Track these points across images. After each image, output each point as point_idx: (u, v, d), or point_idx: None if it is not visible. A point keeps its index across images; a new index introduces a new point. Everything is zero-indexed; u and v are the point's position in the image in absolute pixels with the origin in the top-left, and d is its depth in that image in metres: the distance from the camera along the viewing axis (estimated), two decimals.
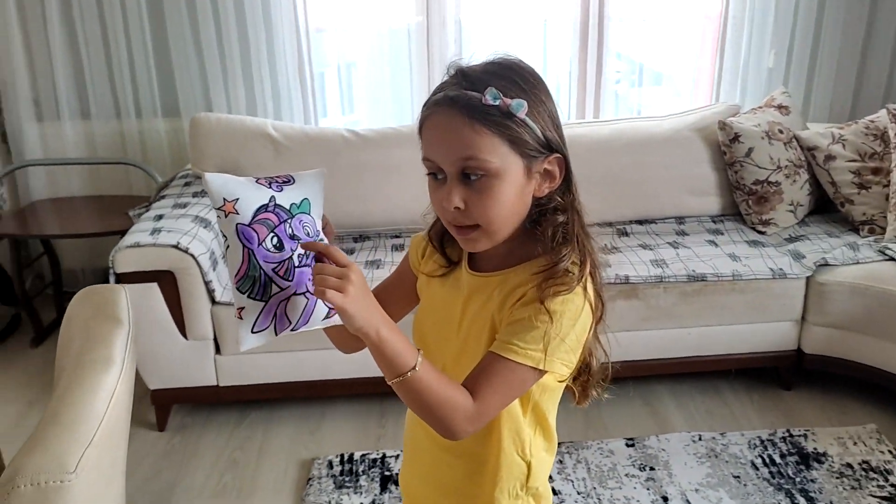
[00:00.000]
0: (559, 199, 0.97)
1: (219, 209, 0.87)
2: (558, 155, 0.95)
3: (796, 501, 2.02)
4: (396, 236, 2.73)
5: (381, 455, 2.23)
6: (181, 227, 2.30)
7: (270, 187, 0.91)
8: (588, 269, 0.96)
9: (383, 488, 2.10)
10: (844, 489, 2.06)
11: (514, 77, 0.92)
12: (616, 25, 3.14)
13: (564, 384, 1.04)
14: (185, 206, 2.48)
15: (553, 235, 0.96)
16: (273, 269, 0.87)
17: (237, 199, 0.87)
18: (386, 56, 3.15)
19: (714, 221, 2.77)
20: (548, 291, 0.92)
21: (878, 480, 2.09)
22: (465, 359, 1.00)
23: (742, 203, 2.72)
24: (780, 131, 2.68)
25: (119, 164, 3.04)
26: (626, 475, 2.14)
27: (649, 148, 2.76)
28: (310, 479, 2.15)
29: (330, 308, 0.92)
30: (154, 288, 2.23)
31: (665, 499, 2.05)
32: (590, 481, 2.12)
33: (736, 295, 2.37)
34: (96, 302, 1.12)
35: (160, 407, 2.42)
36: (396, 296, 1.12)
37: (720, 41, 3.16)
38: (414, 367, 0.87)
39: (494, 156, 0.90)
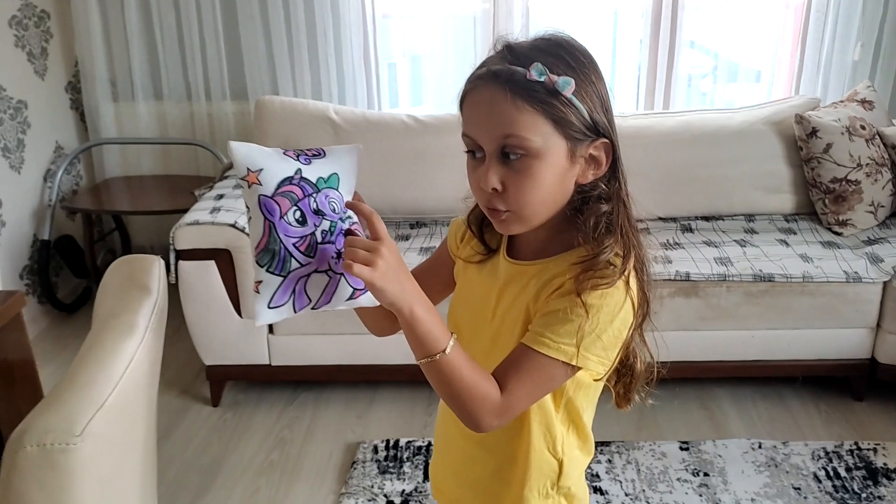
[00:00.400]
0: (604, 186, 0.92)
1: (242, 179, 0.85)
2: (605, 140, 0.90)
3: None
4: None
5: (426, 443, 2.22)
6: (240, 207, 2.33)
7: (298, 159, 0.88)
8: (632, 263, 0.91)
9: (426, 476, 2.09)
10: None
11: (563, 54, 0.88)
12: (691, 14, 3.02)
13: (602, 383, 0.99)
14: None
15: (595, 225, 0.91)
16: (294, 244, 0.85)
17: (261, 170, 0.85)
18: (451, 45, 3.12)
19: (787, 220, 2.64)
20: (586, 283, 0.87)
21: None
22: (497, 349, 0.96)
23: (818, 202, 2.58)
24: (863, 127, 2.52)
25: (188, 144, 3.11)
26: (678, 479, 2.06)
27: (719, 141, 2.65)
28: (354, 462, 2.16)
29: (355, 289, 0.89)
30: (211, 265, 2.27)
31: None
32: (639, 483, 2.05)
33: (806, 298, 2.25)
34: (129, 270, 1.13)
35: (214, 383, 2.47)
36: (433, 280, 1.09)
37: (802, 32, 3.00)
38: (444, 350, 0.84)
39: (536, 135, 0.85)
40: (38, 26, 2.97)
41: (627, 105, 3.17)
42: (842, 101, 2.67)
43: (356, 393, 2.49)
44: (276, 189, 0.85)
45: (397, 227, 2.69)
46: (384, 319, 1.02)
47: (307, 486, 2.11)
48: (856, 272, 2.24)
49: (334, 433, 2.32)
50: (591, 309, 0.87)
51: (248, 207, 0.86)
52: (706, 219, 2.66)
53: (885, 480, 2.03)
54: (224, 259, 2.28)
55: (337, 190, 0.90)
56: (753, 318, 2.27)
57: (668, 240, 2.49)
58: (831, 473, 2.06)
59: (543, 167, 0.87)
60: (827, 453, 2.14)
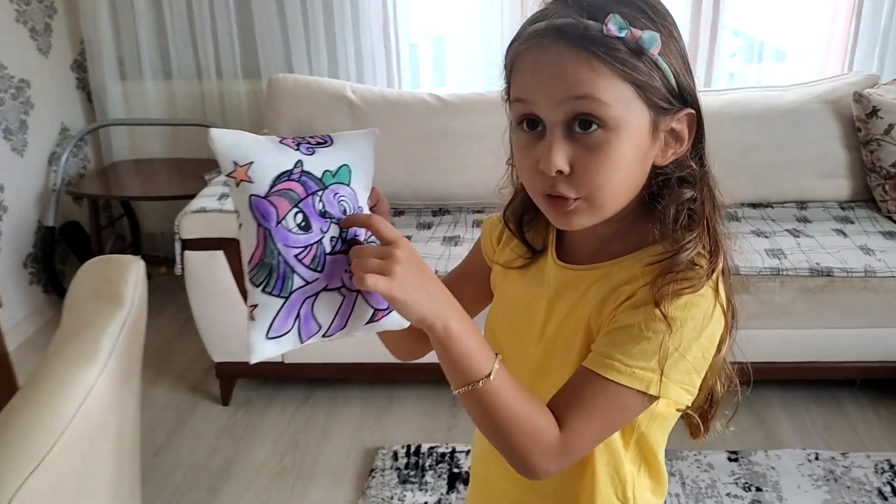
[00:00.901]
0: (693, 165, 0.74)
1: (228, 175, 0.68)
2: (691, 110, 0.72)
3: None
4: (478, 211, 2.51)
5: (450, 449, 2.05)
6: None
7: (298, 149, 0.70)
8: (721, 263, 0.73)
9: (451, 487, 1.92)
10: None
11: (641, 4, 0.70)
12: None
13: (681, 411, 0.81)
14: None
15: (676, 216, 0.73)
16: (296, 256, 0.68)
17: (251, 163, 0.67)
18: (476, 25, 2.92)
19: (842, 208, 2.42)
20: (665, 290, 0.69)
21: None
22: (549, 374, 0.79)
23: (877, 188, 2.36)
24: None
25: (198, 125, 2.95)
26: (728, 494, 1.87)
27: (768, 121, 2.43)
28: (373, 469, 2.00)
29: (376, 309, 0.72)
30: (219, 256, 2.11)
31: None
32: (684, 498, 1.86)
33: (867, 294, 2.04)
34: (102, 275, 0.95)
35: (224, 380, 2.32)
36: (466, 291, 0.90)
37: (857, 5, 2.75)
38: (488, 375, 0.67)
39: (616, 100, 0.68)
40: (42, 1, 2.81)
41: None
42: None
43: (374, 393, 2.32)
44: (272, 187, 0.68)
45: (418, 215, 2.51)
46: (412, 340, 0.84)
47: (322, 495, 1.95)
48: None
49: (351, 436, 2.16)
50: (673, 322, 0.69)
51: (237, 212, 0.68)
52: (754, 206, 2.45)
53: None
54: (234, 249, 2.11)
55: (348, 186, 0.72)
56: (809, 315, 2.07)
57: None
58: None
59: (623, 143, 0.69)
60: (892, 466, 1.94)
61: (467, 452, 2.03)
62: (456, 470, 1.97)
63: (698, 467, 1.96)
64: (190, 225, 2.08)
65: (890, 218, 2.33)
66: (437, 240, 2.30)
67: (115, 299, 0.91)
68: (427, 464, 2.00)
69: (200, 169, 2.79)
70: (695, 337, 0.70)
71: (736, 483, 1.90)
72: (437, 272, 2.09)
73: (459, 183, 2.48)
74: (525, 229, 0.86)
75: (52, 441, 0.72)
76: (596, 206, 0.72)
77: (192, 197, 2.29)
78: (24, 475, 0.68)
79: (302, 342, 0.69)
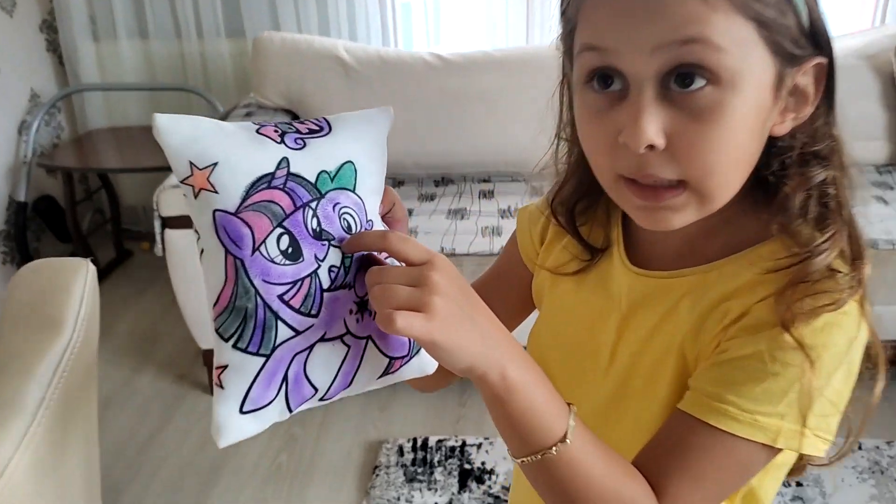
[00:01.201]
0: (829, 137, 0.55)
1: (184, 182, 0.48)
2: (822, 59, 0.53)
3: None
4: (485, 180, 2.31)
5: (460, 442, 1.88)
6: None
7: (283, 141, 0.51)
8: (867, 270, 0.55)
9: (462, 485, 1.76)
10: None
11: None
12: None
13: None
14: None
15: (804, 206, 0.54)
16: (281, 296, 0.48)
17: (214, 165, 0.48)
18: None
19: (880, 172, 2.23)
20: (799, 308, 0.51)
21: None
22: (623, 418, 0.61)
23: None
24: None
25: (179, 90, 2.73)
26: None
27: None
28: (377, 466, 1.83)
29: (392, 358, 0.53)
30: None
31: None
32: None
33: None
34: (42, 286, 0.74)
35: (213, 369, 2.14)
36: (499, 301, 0.72)
37: None
38: (563, 438, 0.50)
39: (735, 45, 0.49)
40: None
41: None
42: None
43: None
44: (245, 198, 0.48)
45: (420, 185, 2.31)
46: (437, 375, 0.66)
47: (321, 495, 1.79)
48: None
49: (353, 430, 1.99)
50: (811, 351, 0.51)
51: (196, 232, 0.49)
52: None
53: None
54: None
55: (353, 192, 0.52)
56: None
57: None
58: None
59: (742, 104, 0.50)
60: None
61: (479, 446, 1.86)
62: (467, 466, 1.81)
63: None
64: (170, 200, 1.89)
65: None
66: (442, 213, 2.11)
67: (54, 324, 0.71)
68: (436, 459, 1.84)
69: None
70: (835, 367, 0.52)
71: None
72: (442, 249, 1.90)
73: (464, 150, 2.28)
74: (579, 222, 0.67)
75: None
76: (704, 195, 0.53)
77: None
78: None
79: (291, 412, 0.51)
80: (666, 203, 0.53)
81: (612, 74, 0.52)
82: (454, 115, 2.27)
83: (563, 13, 0.56)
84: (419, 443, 1.89)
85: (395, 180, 2.34)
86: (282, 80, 2.31)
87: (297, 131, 0.52)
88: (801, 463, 0.65)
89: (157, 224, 1.93)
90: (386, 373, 0.54)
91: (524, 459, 0.51)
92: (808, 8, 0.52)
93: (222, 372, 0.48)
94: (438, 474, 1.79)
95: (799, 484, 1.72)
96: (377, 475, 1.80)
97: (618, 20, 0.50)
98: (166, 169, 2.31)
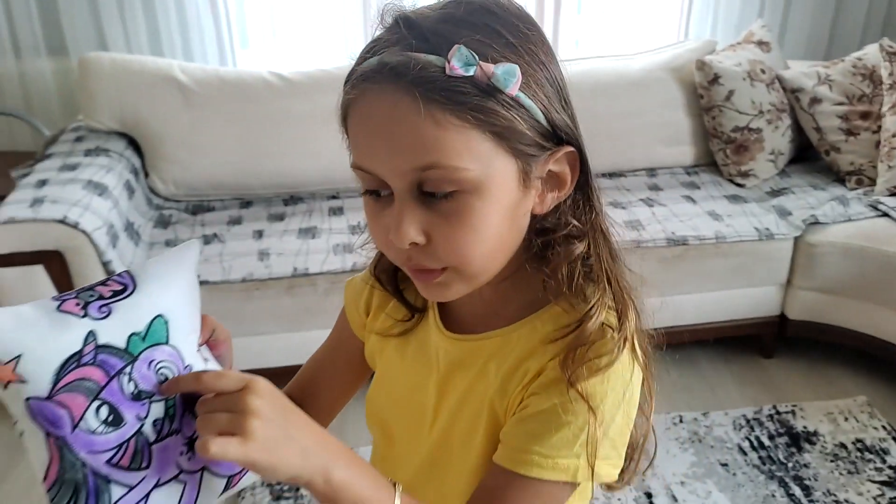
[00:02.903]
0: (574, 220, 0.63)
1: None
2: (570, 149, 0.62)
3: (791, 492, 1.82)
4: (334, 196, 2.36)
5: None
6: (69, 197, 1.88)
7: (86, 314, 0.53)
8: (633, 320, 0.65)
9: None
10: (841, 474, 1.87)
11: (495, 25, 0.57)
12: None
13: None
14: (75, 167, 2.05)
15: (570, 275, 0.63)
16: (109, 461, 0.52)
17: (18, 357, 0.50)
18: None
19: (688, 173, 2.50)
20: (579, 368, 0.60)
21: (874, 462, 1.91)
22: (447, 468, 0.69)
23: (719, 153, 2.45)
24: (762, 71, 2.40)
25: None
26: None
27: (618, 91, 2.45)
28: (242, 489, 1.84)
29: (230, 476, 0.58)
30: (39, 271, 1.83)
31: (649, 495, 1.82)
32: None
33: (719, 259, 2.12)
34: None
35: None
36: (339, 372, 0.79)
37: None
38: None
39: (471, 160, 0.56)
40: None
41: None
42: (739, 43, 2.54)
43: None
44: (56, 382, 0.50)
45: (269, 205, 2.32)
46: None
47: None
48: (767, 229, 2.13)
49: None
50: (592, 400, 0.60)
51: (12, 416, 0.51)
52: (608, 176, 2.48)
53: (807, 445, 1.97)
54: (55, 262, 1.83)
55: (167, 344, 0.56)
56: (668, 284, 2.13)
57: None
58: (755, 443, 1.97)
59: (486, 204, 0.58)
60: (748, 421, 2.05)
61: None
62: None
63: None
64: (0, 238, 1.78)
65: (732, 181, 2.43)
66: (293, 233, 2.13)
67: None
68: None
69: (3, 164, 2.41)
70: (616, 407, 0.62)
71: None
72: (295, 270, 1.93)
73: (311, 168, 2.31)
74: (401, 286, 0.74)
75: None
76: (467, 275, 0.61)
77: None
78: None
79: None
80: (437, 281, 0.61)
81: (380, 188, 0.59)
82: (298, 134, 2.30)
83: (341, 115, 0.61)
84: None
85: (242, 201, 2.33)
86: (114, 103, 2.23)
87: (101, 296, 0.55)
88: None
89: None
90: (227, 488, 0.58)
91: None
92: (544, 111, 0.59)
93: None
94: (304, 490, 1.83)
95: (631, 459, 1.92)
96: (243, 497, 1.81)
97: (371, 145, 0.58)
98: None
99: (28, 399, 0.50)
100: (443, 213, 0.58)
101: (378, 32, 0.59)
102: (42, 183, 1.96)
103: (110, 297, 0.55)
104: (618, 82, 2.45)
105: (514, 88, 0.56)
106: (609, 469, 0.64)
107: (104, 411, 0.52)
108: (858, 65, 2.42)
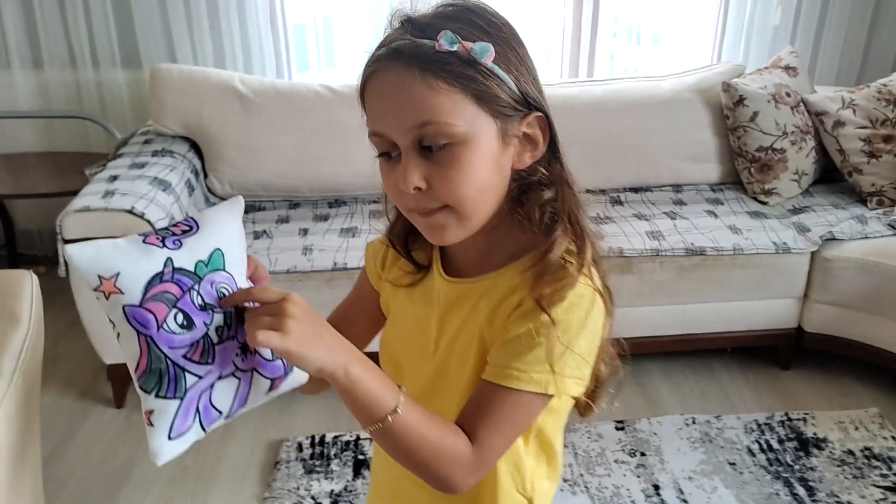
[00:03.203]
0: (543, 169, 0.79)
1: (95, 290, 0.66)
2: (539, 114, 0.77)
3: (795, 491, 1.90)
4: (375, 201, 2.54)
5: (354, 437, 2.08)
6: (137, 190, 2.10)
7: (164, 245, 0.69)
8: (589, 254, 0.78)
9: (356, 474, 1.96)
10: (846, 478, 1.94)
11: (475, 19, 0.74)
12: None
13: (571, 400, 0.87)
14: (142, 165, 2.28)
15: (540, 217, 0.78)
16: (184, 355, 0.67)
17: (118, 274, 0.66)
18: (365, 4, 2.92)
19: (713, 190, 2.61)
20: (545, 292, 0.74)
21: (881, 469, 1.97)
22: (445, 387, 0.83)
23: (744, 171, 2.55)
24: (788, 94, 2.50)
25: (75, 118, 2.81)
26: (616, 461, 2.01)
27: (647, 110, 2.58)
28: (277, 462, 2.00)
29: (273, 379, 0.74)
30: None
31: (656, 487, 1.92)
32: (577, 468, 1.98)
33: (736, 270, 2.22)
34: None
35: (116, 382, 2.25)
36: (357, 320, 0.94)
37: None
38: (395, 410, 0.70)
39: (459, 118, 0.72)
40: None
41: (552, 72, 3.06)
42: (766, 68, 2.64)
43: None
44: (145, 293, 0.66)
45: (315, 207, 2.51)
46: (315, 381, 0.87)
47: (226, 492, 1.94)
48: (784, 243, 2.22)
49: (254, 432, 2.15)
50: (560, 324, 0.74)
51: (112, 322, 0.67)
52: (635, 190, 2.60)
53: (815, 450, 2.04)
54: None
55: (224, 270, 0.72)
56: (686, 292, 2.23)
57: (598, 213, 2.41)
58: (764, 446, 2.05)
59: (474, 154, 0.73)
60: (759, 425, 2.13)
61: (371, 439, 2.07)
62: (361, 457, 2.01)
63: (589, 438, 2.09)
64: (73, 225, 2.00)
65: (755, 198, 2.53)
66: (335, 231, 2.31)
67: (12, 318, 0.88)
68: (332, 453, 2.03)
69: (79, 163, 2.66)
70: (579, 330, 0.75)
71: (623, 450, 2.04)
72: (335, 264, 2.11)
73: (355, 173, 2.49)
74: (411, 248, 0.89)
75: None
76: (463, 215, 0.76)
77: (71, 193, 2.19)
78: None
79: (205, 432, 0.71)
80: (436, 220, 0.76)
81: (391, 149, 0.75)
82: (345, 142, 2.49)
83: (360, 97, 0.77)
84: (317, 439, 2.08)
85: (291, 202, 2.53)
86: (180, 110, 2.46)
87: (174, 234, 0.71)
88: (583, 403, 0.90)
89: (60, 247, 2.03)
90: (271, 390, 0.74)
91: (371, 429, 0.71)
92: (515, 81, 0.74)
93: (150, 415, 0.68)
94: (335, 465, 1.99)
95: (643, 454, 2.03)
96: (278, 469, 1.97)
97: (382, 111, 0.74)
98: (62, 194, 2.42)
99: (124, 306, 0.66)
100: (439, 162, 0.73)
101: (387, 32, 0.76)
102: (113, 178, 2.19)
103: (181, 234, 0.72)
104: (647, 102, 2.58)
105: (488, 60, 0.72)
106: (574, 386, 0.77)
107: (180, 317, 0.68)
108: (883, 90, 2.51)
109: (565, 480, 1.94)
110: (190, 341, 0.68)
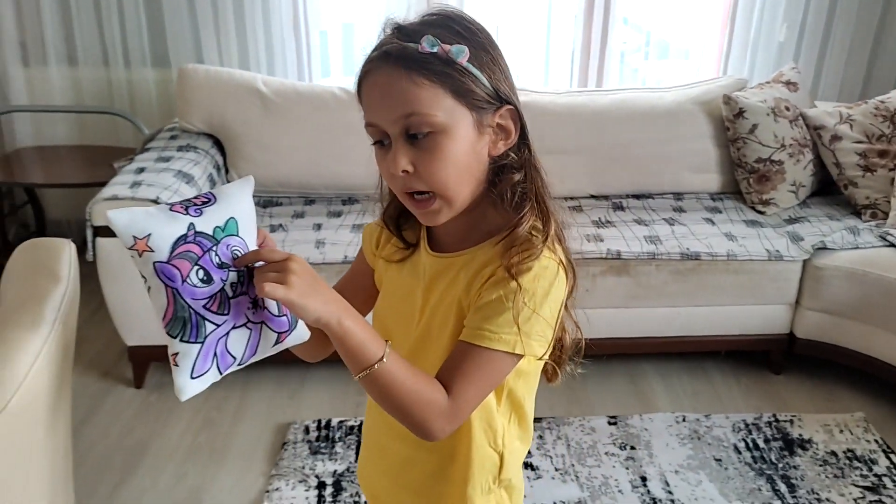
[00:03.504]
0: (514, 155, 0.90)
1: (130, 249, 0.78)
2: (510, 106, 0.89)
3: (777, 487, 1.99)
4: None
5: (358, 422, 2.20)
6: (162, 182, 2.23)
7: (188, 213, 0.81)
8: (553, 230, 0.90)
9: (358, 455, 2.06)
10: (827, 477, 2.02)
11: (453, 25, 0.87)
12: None
13: (541, 365, 0.98)
14: (168, 159, 2.41)
15: (511, 196, 0.89)
16: (204, 306, 0.79)
17: (149, 235, 0.77)
18: (384, 12, 3.03)
19: (713, 199, 2.70)
20: (513, 261, 0.85)
21: (861, 469, 2.05)
22: (428, 350, 0.94)
23: (743, 181, 2.64)
24: (787, 108, 2.59)
25: (106, 113, 2.96)
26: (606, 454, 2.10)
27: (650, 120, 2.68)
28: (285, 443, 2.12)
29: (279, 332, 0.85)
30: None
31: (644, 479, 2.01)
32: (569, 458, 2.08)
33: (730, 276, 2.31)
34: (37, 256, 1.05)
35: (137, 364, 2.38)
36: (355, 293, 1.05)
37: (731, 12, 3.05)
38: (381, 359, 0.81)
39: (439, 109, 0.83)
40: None
41: (562, 81, 3.17)
42: (768, 83, 2.73)
43: (288, 373, 2.44)
44: (172, 252, 0.78)
45: (329, 203, 2.63)
46: (316, 345, 0.95)
47: (236, 469, 2.06)
48: (777, 250, 2.31)
49: (265, 414, 2.27)
50: (526, 292, 0.85)
51: (143, 277, 0.79)
52: (637, 197, 2.69)
53: (799, 450, 2.12)
54: None
55: (237, 235, 0.83)
56: (680, 295, 2.33)
57: (599, 218, 2.52)
58: (750, 445, 2.14)
59: (452, 142, 0.85)
60: (747, 425, 2.22)
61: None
62: None
63: (582, 431, 2.18)
64: (102, 212, 2.13)
65: (753, 208, 2.62)
66: (347, 227, 2.43)
67: (53, 276, 1.01)
68: (337, 436, 2.15)
69: (108, 157, 2.81)
70: (544, 296, 0.86)
71: (614, 443, 2.14)
72: (345, 257, 2.23)
73: (368, 173, 2.56)
74: (402, 228, 1.01)
75: (10, 394, 0.83)
76: (448, 199, 0.87)
77: (99, 184, 2.33)
78: None
79: (221, 374, 0.82)
80: (427, 209, 0.88)
81: (383, 138, 0.87)
82: (359, 142, 2.59)
83: (358, 100, 0.89)
84: (323, 423, 2.19)
85: (307, 199, 2.66)
86: (205, 108, 2.60)
87: (195, 204, 0.82)
88: (549, 369, 1.01)
89: (89, 233, 2.17)
90: (277, 343, 0.85)
91: (359, 375, 0.82)
92: (488, 78, 0.85)
93: (176, 356, 0.79)
94: (339, 447, 2.10)
95: (633, 447, 2.12)
96: (285, 450, 2.09)
97: (374, 103, 0.86)
98: (91, 185, 2.56)
99: (154, 262, 0.78)
100: (423, 148, 0.84)
101: (380, 38, 0.88)
102: (141, 170, 2.32)
103: (201, 204, 0.83)
104: (650, 112, 2.68)
105: (463, 60, 0.84)
106: (538, 348, 0.88)
107: (201, 273, 0.79)
108: (881, 107, 2.59)
109: (556, 469, 2.04)
110: (209, 293, 0.80)
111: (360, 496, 1.94)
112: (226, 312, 0.80)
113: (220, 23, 2.88)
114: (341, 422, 2.20)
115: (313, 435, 2.15)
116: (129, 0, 2.85)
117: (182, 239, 0.79)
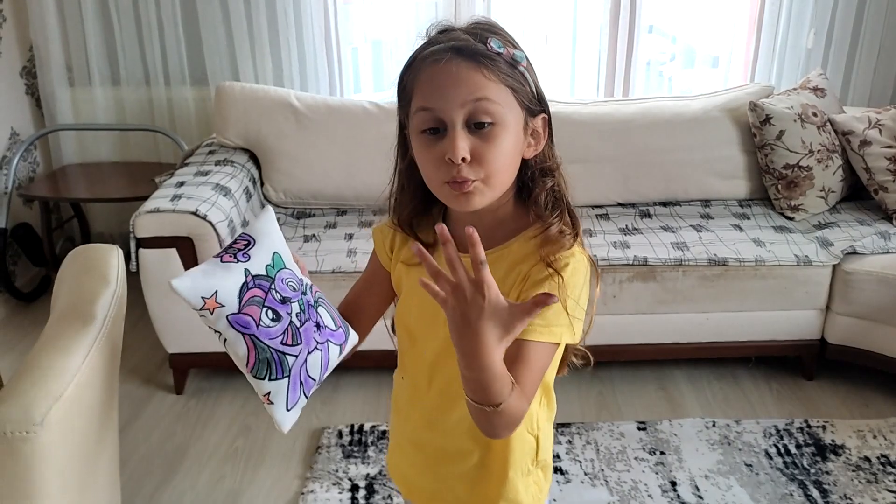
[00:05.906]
0: (548, 161, 0.97)
1: (201, 310, 0.82)
2: (545, 115, 0.96)
3: (809, 493, 1.98)
4: None
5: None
6: (201, 195, 2.32)
7: (238, 260, 0.86)
8: (580, 229, 0.96)
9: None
10: (860, 482, 2.01)
11: (503, 34, 0.94)
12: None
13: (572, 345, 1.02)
14: (206, 173, 2.50)
15: (546, 201, 0.96)
16: (281, 342, 0.85)
17: (216, 292, 0.82)
18: (413, 29, 3.12)
19: (741, 206, 2.70)
20: (551, 257, 0.91)
21: (895, 475, 2.04)
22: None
23: (771, 187, 2.65)
24: (814, 114, 2.59)
25: (147, 130, 3.07)
26: (636, 458, 2.12)
27: (676, 128, 2.70)
28: (319, 447, 2.18)
29: (340, 345, 0.91)
30: (172, 253, 2.26)
31: (673, 484, 2.02)
32: (598, 462, 2.10)
33: (758, 281, 2.31)
34: (87, 260, 1.13)
35: (178, 371, 2.46)
36: (371, 297, 1.10)
37: (758, 19, 3.06)
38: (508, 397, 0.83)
39: (503, 102, 0.90)
40: None
41: (588, 90, 3.21)
42: (795, 89, 2.74)
43: None
44: (240, 302, 0.83)
45: (360, 214, 2.70)
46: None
47: (272, 472, 2.12)
48: (806, 256, 2.31)
49: (299, 420, 2.29)
50: (568, 285, 0.91)
51: (217, 332, 0.84)
52: (664, 204, 2.71)
53: (832, 456, 2.11)
54: (186, 247, 2.26)
55: (285, 267, 0.90)
56: (708, 300, 2.34)
57: (626, 225, 2.54)
58: (782, 450, 2.14)
59: (508, 136, 0.91)
60: (778, 431, 2.21)
61: None
62: None
63: (611, 436, 2.20)
64: (145, 224, 2.22)
65: (782, 214, 2.62)
66: None
67: (103, 278, 1.09)
68: (369, 440, 2.20)
69: (149, 172, 2.92)
70: (581, 284, 0.93)
71: (643, 448, 2.15)
72: None
73: None
74: (416, 230, 1.04)
75: (66, 383, 0.90)
76: (490, 186, 0.92)
77: (141, 199, 2.42)
78: (50, 404, 0.87)
79: (307, 398, 0.89)
80: (468, 190, 0.90)
81: (438, 126, 0.90)
82: (389, 155, 2.67)
83: (403, 85, 0.94)
84: (356, 428, 2.25)
85: (338, 210, 2.73)
86: (241, 124, 2.69)
87: (239, 249, 0.87)
88: (565, 358, 1.05)
89: (132, 244, 2.26)
90: (340, 353, 0.92)
91: (487, 408, 0.81)
92: (533, 83, 0.93)
93: (268, 395, 0.85)
94: (371, 451, 2.15)
95: (662, 453, 2.13)
96: (319, 453, 2.15)
97: (439, 89, 0.89)
98: (134, 199, 2.67)
99: (228, 316, 0.83)
100: (483, 137, 0.89)
101: (427, 39, 0.94)
102: (181, 184, 2.42)
103: (244, 248, 0.89)
104: (676, 120, 2.70)
105: (523, 65, 0.92)
106: (576, 333, 0.93)
107: (270, 314, 0.85)
108: None
109: (586, 474, 2.06)
110: (282, 330, 0.85)
111: (391, 498, 1.98)
112: (299, 342, 0.86)
113: (255, 42, 2.98)
114: (373, 426, 2.25)
115: (346, 439, 2.20)
116: (168, 22, 2.97)
117: (245, 287, 0.84)
